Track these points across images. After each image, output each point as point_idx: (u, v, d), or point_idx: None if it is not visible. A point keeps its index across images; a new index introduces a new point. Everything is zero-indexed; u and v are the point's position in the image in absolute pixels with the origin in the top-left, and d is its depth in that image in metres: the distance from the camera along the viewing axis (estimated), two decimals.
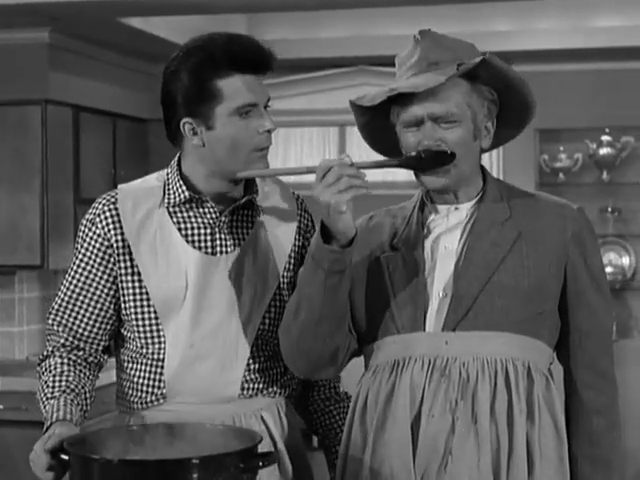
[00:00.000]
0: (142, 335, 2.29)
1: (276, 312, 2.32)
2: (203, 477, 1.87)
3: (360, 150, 7.20)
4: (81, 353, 2.33)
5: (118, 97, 6.17)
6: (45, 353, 2.35)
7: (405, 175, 7.00)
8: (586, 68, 6.64)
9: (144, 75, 6.47)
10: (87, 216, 2.33)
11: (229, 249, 2.28)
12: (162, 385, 2.27)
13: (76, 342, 2.32)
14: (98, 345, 2.34)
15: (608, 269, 6.84)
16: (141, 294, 2.28)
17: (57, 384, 2.25)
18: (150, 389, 2.29)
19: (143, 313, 2.28)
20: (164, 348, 2.27)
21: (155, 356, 2.28)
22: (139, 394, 2.30)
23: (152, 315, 2.27)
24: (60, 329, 2.32)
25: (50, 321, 2.34)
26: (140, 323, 2.28)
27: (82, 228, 2.33)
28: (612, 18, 6.19)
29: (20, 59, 5.48)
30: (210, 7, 5.47)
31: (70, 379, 2.26)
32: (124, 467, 1.91)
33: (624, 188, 6.82)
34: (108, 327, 2.33)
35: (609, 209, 6.79)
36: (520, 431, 2.10)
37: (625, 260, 6.88)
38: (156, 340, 2.28)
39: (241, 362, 2.27)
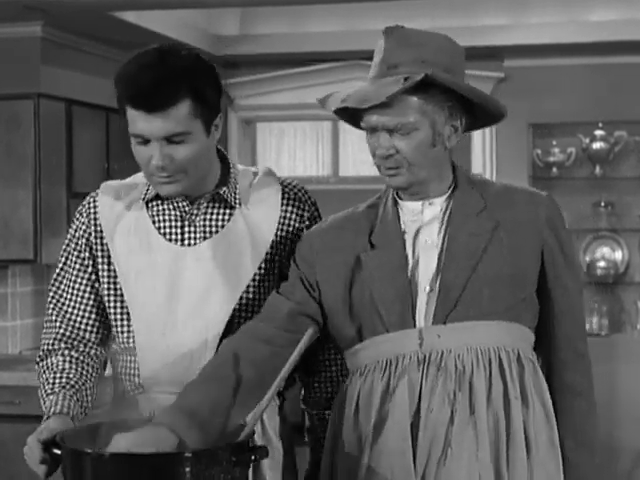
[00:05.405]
0: (114, 322, 2.36)
1: (249, 304, 2.33)
2: (195, 471, 1.87)
3: (353, 145, 7.21)
4: (82, 347, 2.37)
5: (111, 91, 6.12)
6: (46, 347, 2.38)
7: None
8: (579, 62, 6.64)
9: None
10: (78, 208, 2.44)
11: (198, 240, 2.32)
12: (137, 373, 2.32)
13: (75, 332, 2.37)
14: (97, 334, 2.39)
15: (601, 263, 6.85)
16: (115, 283, 2.34)
17: (57, 380, 2.29)
18: (129, 377, 2.34)
19: (116, 301, 2.35)
20: (133, 337, 2.32)
21: (127, 344, 2.33)
22: (121, 384, 2.37)
23: (121, 303, 2.34)
24: (59, 319, 2.38)
25: (50, 310, 2.41)
26: (112, 311, 2.36)
27: (73, 219, 2.44)
28: (605, 12, 6.19)
29: (13, 53, 5.46)
30: (203, 2, 5.47)
31: (71, 376, 2.31)
32: (116, 460, 1.91)
33: (617, 182, 6.83)
34: (104, 313, 2.39)
35: (602, 203, 6.79)
36: (517, 418, 2.13)
37: (618, 254, 6.89)
38: (125, 328, 2.34)
39: (210, 353, 2.28)
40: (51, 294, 2.42)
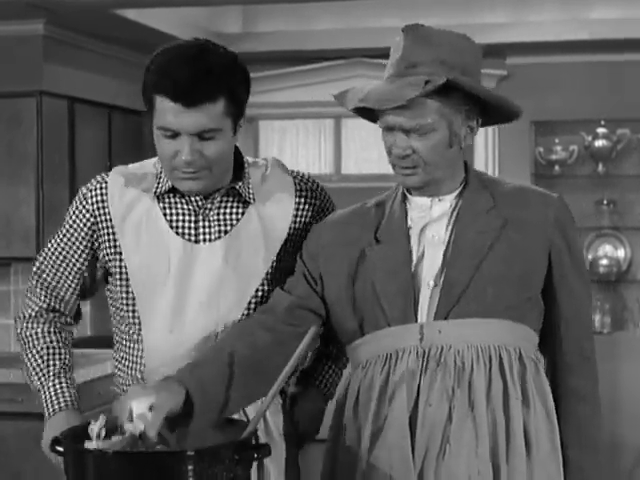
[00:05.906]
0: (122, 313, 2.37)
1: (261, 302, 2.32)
2: (198, 469, 1.87)
3: (355, 143, 7.20)
4: (63, 319, 2.45)
5: (113, 89, 6.16)
6: (28, 313, 2.44)
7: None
8: (582, 60, 6.64)
9: (139, 67, 6.41)
10: (82, 189, 2.41)
11: (213, 237, 2.31)
12: (142, 369, 2.33)
13: (56, 305, 2.43)
14: (72, 310, 2.47)
15: (603, 261, 6.84)
16: (126, 274, 2.34)
17: (51, 357, 2.38)
18: (131, 372, 2.36)
19: (128, 292, 2.35)
20: (140, 330, 2.33)
21: (134, 337, 2.34)
22: (123, 375, 2.38)
23: (130, 295, 2.34)
24: (43, 292, 2.43)
25: (34, 282, 2.44)
26: (123, 302, 2.36)
27: (75, 199, 2.42)
28: (607, 10, 6.18)
29: (15, 51, 5.46)
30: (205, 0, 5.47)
31: (62, 352, 2.39)
32: (119, 459, 1.91)
33: (620, 180, 6.82)
34: (79, 293, 2.45)
35: (604, 201, 6.79)
36: (517, 417, 2.14)
37: (620, 252, 6.89)
38: (136, 321, 2.34)
39: None
40: (37, 264, 2.45)
